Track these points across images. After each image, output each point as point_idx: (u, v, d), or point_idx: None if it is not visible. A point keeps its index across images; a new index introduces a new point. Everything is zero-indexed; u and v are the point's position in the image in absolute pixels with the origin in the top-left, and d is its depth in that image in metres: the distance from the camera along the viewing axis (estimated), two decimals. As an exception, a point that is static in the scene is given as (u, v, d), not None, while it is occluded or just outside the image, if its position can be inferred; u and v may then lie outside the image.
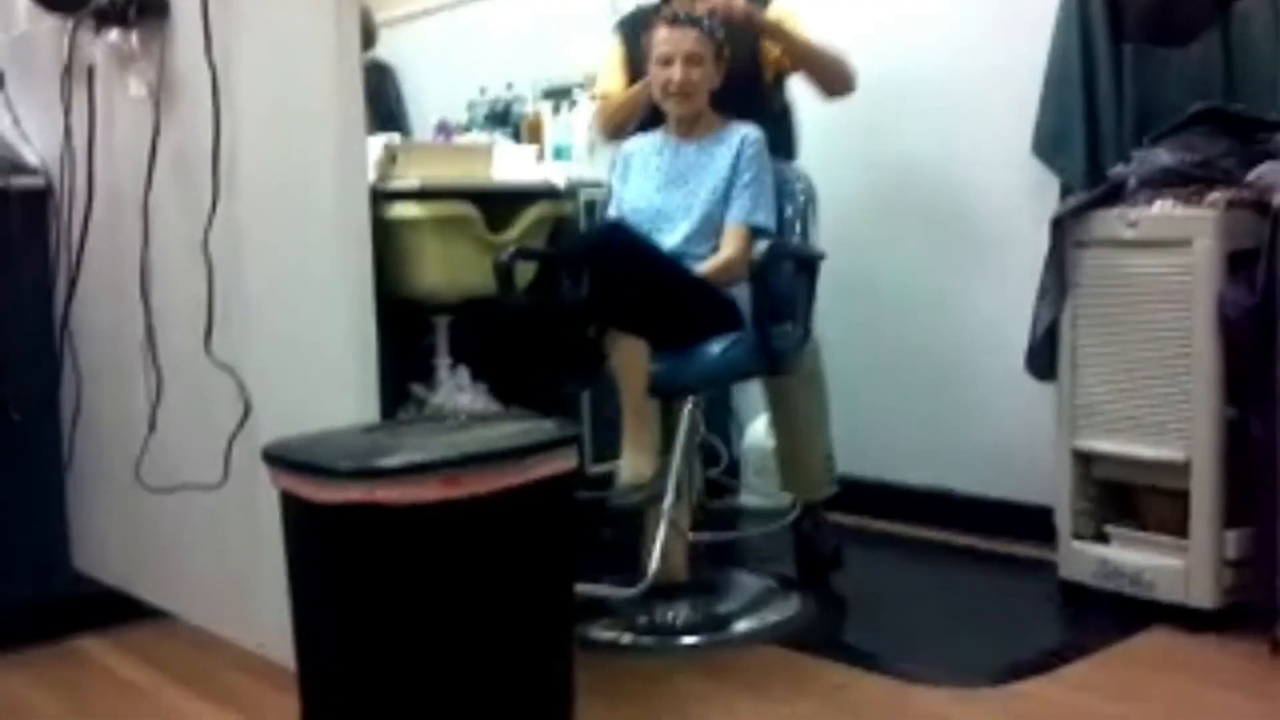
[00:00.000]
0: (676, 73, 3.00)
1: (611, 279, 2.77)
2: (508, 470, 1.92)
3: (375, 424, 2.33)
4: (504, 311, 2.96)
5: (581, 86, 3.96)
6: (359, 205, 2.49)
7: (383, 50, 4.83)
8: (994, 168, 3.48)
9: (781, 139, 3.32)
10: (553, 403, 2.75)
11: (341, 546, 1.90)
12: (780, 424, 3.38)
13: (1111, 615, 2.91)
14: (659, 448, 2.86)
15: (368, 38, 4.56)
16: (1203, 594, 2.80)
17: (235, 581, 2.71)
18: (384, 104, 4.47)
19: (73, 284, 3.03)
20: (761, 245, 2.93)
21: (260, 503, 2.30)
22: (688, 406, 2.88)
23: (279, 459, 1.95)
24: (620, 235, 2.85)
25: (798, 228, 3.10)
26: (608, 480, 3.05)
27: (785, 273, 3.01)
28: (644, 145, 3.17)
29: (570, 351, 2.84)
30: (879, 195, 3.71)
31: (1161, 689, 2.58)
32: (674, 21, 3.04)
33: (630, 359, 2.77)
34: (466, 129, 4.17)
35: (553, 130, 3.90)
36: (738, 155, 3.02)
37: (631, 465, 2.78)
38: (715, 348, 2.88)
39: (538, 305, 3.06)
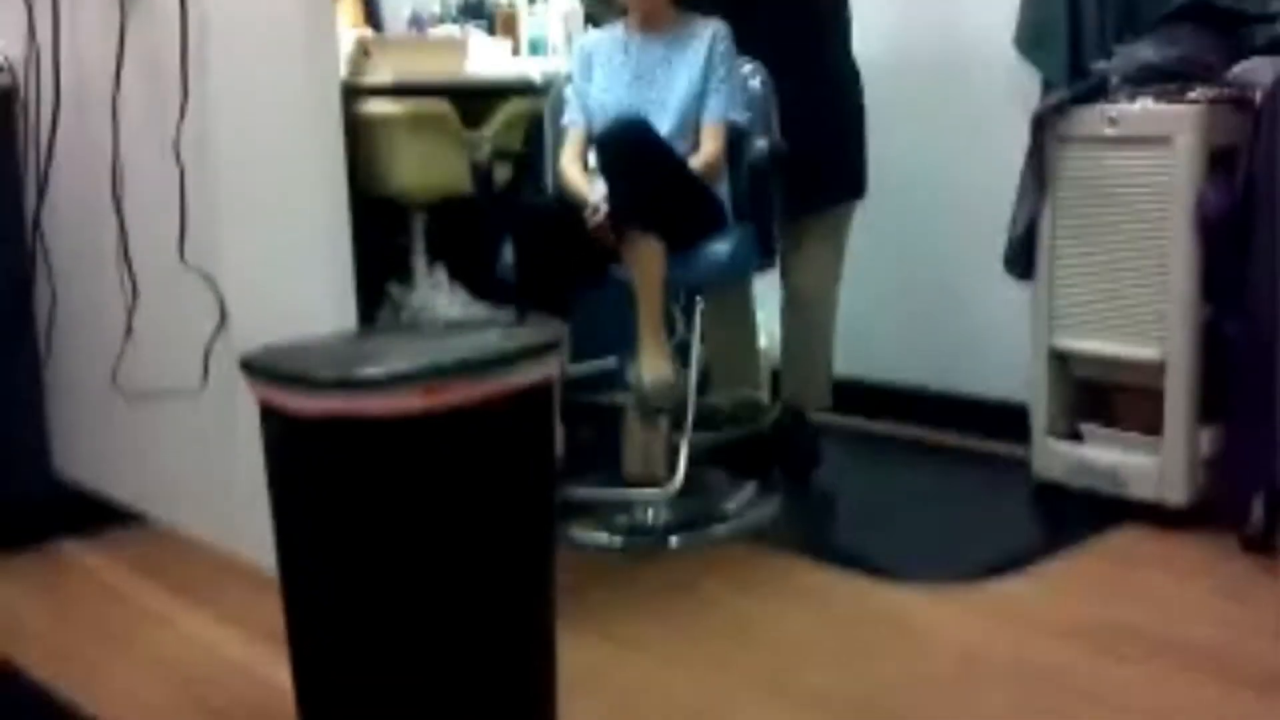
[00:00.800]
0: None
1: (635, 175, 2.77)
2: (490, 379, 1.91)
3: (355, 332, 2.31)
4: (522, 212, 2.94)
5: (557, -22, 3.87)
6: (331, 106, 2.43)
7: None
8: (987, 57, 3.43)
9: (825, 31, 3.24)
10: (556, 303, 2.75)
11: (321, 457, 1.89)
12: (792, 328, 3.39)
13: (1085, 513, 2.96)
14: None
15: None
16: (1176, 491, 2.84)
17: (215, 485, 2.71)
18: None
19: (43, 185, 2.98)
20: (762, 144, 2.95)
21: (239, 407, 2.29)
22: (699, 307, 2.89)
23: (257, 369, 1.93)
24: (640, 130, 2.82)
25: (762, 123, 3.07)
26: (588, 381, 3.06)
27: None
28: (604, 41, 3.10)
29: (582, 253, 2.82)
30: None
31: (1134, 586, 2.62)
32: None
33: (649, 259, 2.77)
34: (440, 21, 4.07)
35: (528, 23, 3.81)
36: (710, 50, 2.97)
37: (653, 366, 2.80)
38: (722, 246, 2.88)
39: (549, 205, 3.02)
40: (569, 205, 2.91)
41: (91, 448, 3.13)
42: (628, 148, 2.80)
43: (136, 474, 2.99)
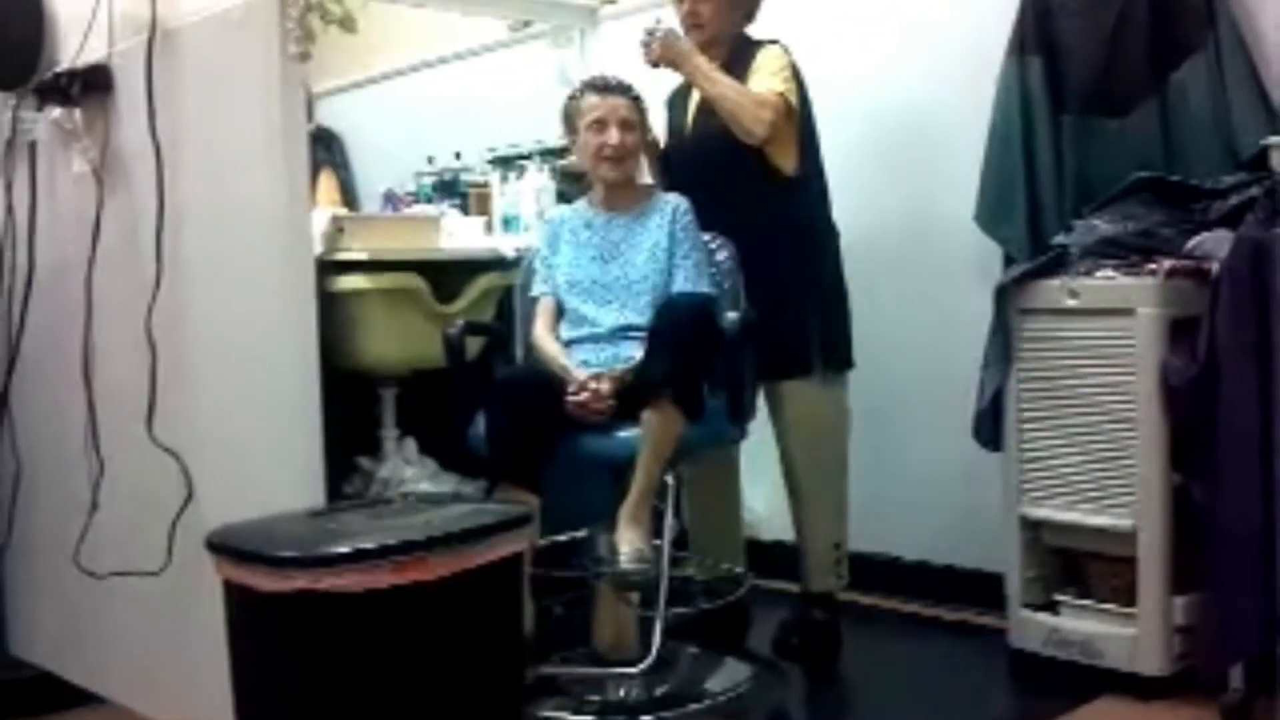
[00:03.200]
0: (613, 135, 2.99)
1: (693, 351, 2.77)
2: (456, 554, 1.90)
3: (321, 508, 2.29)
4: (496, 382, 2.95)
5: (529, 156, 3.96)
6: (305, 285, 2.46)
7: (330, 118, 4.83)
8: (958, 231, 3.48)
9: (789, 208, 3.19)
10: (529, 475, 2.73)
11: (287, 635, 1.87)
12: (790, 502, 3.29)
13: (1062, 684, 2.91)
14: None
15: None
16: (1152, 662, 2.81)
17: (175, 667, 2.66)
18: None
19: (12, 361, 2.98)
20: (734, 317, 2.95)
21: (202, 587, 2.25)
22: (671, 479, 2.87)
23: (223, 547, 1.92)
24: (705, 311, 2.86)
25: (730, 295, 3.10)
26: (559, 554, 3.03)
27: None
28: (571, 217, 3.13)
29: (557, 424, 2.81)
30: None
31: (1113, 759, 2.58)
32: (604, 88, 3.04)
33: (669, 430, 2.73)
34: (415, 199, 4.15)
35: (501, 200, 3.89)
36: (673, 224, 3.00)
37: (630, 538, 2.74)
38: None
39: (524, 376, 3.02)
40: (544, 376, 2.91)
41: (49, 627, 3.07)
42: (691, 316, 2.82)
43: (95, 654, 2.93)
